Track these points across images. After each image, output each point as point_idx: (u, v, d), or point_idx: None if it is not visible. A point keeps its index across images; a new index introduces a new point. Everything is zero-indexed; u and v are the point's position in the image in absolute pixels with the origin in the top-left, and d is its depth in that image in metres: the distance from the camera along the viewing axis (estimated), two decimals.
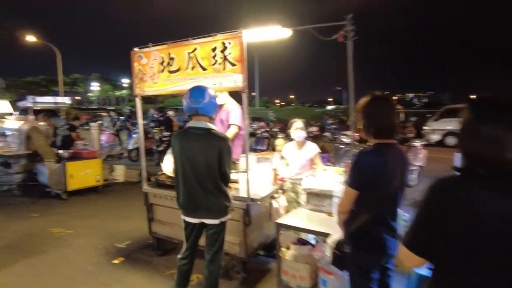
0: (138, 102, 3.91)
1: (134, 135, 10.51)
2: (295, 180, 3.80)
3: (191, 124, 2.54)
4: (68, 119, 12.40)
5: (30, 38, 27.70)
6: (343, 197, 1.90)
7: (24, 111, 17.87)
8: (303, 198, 3.54)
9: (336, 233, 2.09)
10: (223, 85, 3.11)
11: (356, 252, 1.87)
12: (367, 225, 1.82)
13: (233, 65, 3.01)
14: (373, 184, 1.78)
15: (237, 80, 3.01)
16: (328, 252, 2.20)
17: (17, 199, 6.52)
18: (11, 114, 7.19)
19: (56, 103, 31.92)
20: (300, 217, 3.00)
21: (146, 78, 3.65)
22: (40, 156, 6.51)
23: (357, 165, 1.80)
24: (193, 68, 3.27)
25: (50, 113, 8.21)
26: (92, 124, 7.94)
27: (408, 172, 1.98)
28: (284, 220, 2.95)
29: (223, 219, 2.58)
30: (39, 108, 21.40)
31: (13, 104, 26.11)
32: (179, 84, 3.38)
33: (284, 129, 12.05)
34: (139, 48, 3.70)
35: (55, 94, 37.58)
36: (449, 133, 13.66)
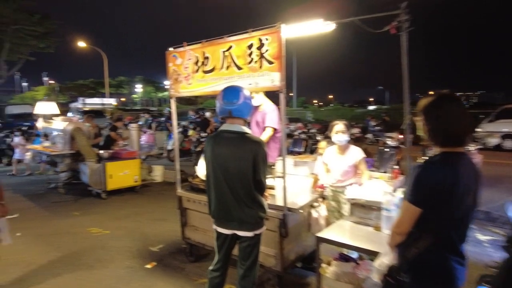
0: (173, 104, 3.81)
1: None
2: (336, 188, 3.49)
3: (224, 127, 2.34)
4: (112, 120, 12.94)
5: (81, 44, 29.62)
6: (402, 215, 1.59)
7: (76, 112, 19.00)
8: (346, 208, 3.23)
9: (385, 253, 1.78)
10: (260, 85, 2.89)
11: (417, 284, 1.56)
12: (431, 251, 1.50)
13: (271, 63, 2.78)
14: (440, 202, 1.46)
15: (274, 79, 2.77)
16: (376, 276, 1.89)
17: (62, 197, 6.78)
18: (58, 115, 7.48)
19: (103, 104, 33.85)
20: (343, 231, 2.70)
21: (181, 79, 3.53)
22: (83, 156, 6.72)
23: (421, 178, 1.49)
24: (228, 67, 3.09)
25: (93, 114, 8.47)
26: (132, 124, 8.11)
27: (481, 187, 1.62)
28: (325, 234, 2.66)
29: (257, 232, 2.36)
30: (87, 109, 22.68)
31: (66, 105, 28.00)
32: (214, 84, 3.22)
33: (323, 130, 11.64)
34: (174, 48, 3.60)
35: (103, 96, 39.79)
36: (508, 136, 12.40)
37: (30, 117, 14.78)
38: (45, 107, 7.58)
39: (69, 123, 6.78)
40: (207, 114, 12.16)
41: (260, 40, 2.81)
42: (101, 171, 6.58)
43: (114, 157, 6.95)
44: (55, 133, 7.12)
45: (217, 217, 2.40)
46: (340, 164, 3.50)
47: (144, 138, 10.78)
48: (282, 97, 2.79)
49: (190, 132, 11.07)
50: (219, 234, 2.44)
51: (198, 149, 10.48)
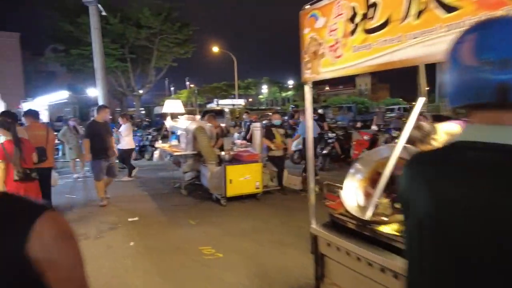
0: (308, 92, 2.53)
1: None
2: None
3: (468, 134, 0.88)
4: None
5: (214, 49, 32.12)
6: None
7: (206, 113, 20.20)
8: None
9: None
10: None
11: None
12: None
13: None
14: None
15: None
16: None
17: (183, 200, 6.43)
18: (183, 114, 7.25)
19: (233, 104, 36.10)
20: None
21: (323, 51, 2.22)
22: (203, 157, 6.20)
23: None
24: (421, 13, 1.60)
25: (214, 113, 8.05)
26: (255, 124, 7.28)
27: None
28: None
29: None
30: (212, 108, 24.08)
31: (204, 106, 30.73)
32: (387, 50, 1.78)
33: None
34: (311, 5, 2.30)
35: (233, 97, 42.66)
36: None
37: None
38: (172, 106, 7.48)
39: (191, 122, 6.38)
40: (320, 111, 10.69)
41: None
42: (221, 175, 5.90)
43: (235, 160, 6.22)
44: (179, 132, 6.87)
45: None
46: None
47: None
48: None
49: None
50: None
51: (325, 151, 9.14)
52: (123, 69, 23.30)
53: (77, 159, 8.80)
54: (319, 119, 9.63)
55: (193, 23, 23.59)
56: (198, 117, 7.40)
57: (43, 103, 11.11)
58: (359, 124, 13.93)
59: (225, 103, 39.00)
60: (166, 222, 5.20)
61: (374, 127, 10.95)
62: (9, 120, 4.20)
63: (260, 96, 74.63)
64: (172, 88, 63.02)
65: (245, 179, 6.04)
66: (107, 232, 4.75)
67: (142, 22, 20.84)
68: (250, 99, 67.16)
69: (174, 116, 7.75)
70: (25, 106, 10.90)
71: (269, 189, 6.58)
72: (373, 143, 8.59)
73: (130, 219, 5.23)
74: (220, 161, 6.06)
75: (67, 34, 20.58)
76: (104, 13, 9.62)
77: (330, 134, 9.42)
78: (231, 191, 5.92)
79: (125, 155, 8.26)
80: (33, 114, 5.18)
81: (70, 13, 19.51)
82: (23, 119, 5.39)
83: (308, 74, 2.40)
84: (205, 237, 4.48)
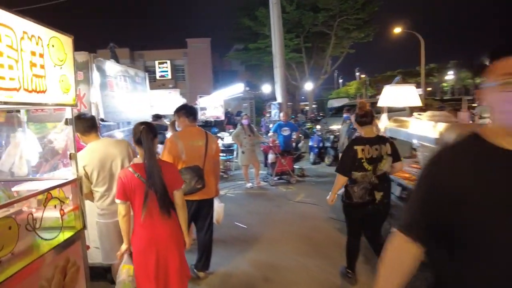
0: None
1: None
2: None
3: None
4: None
5: (397, 30, 26.87)
6: None
7: None
8: None
9: None
10: None
11: None
12: None
13: None
14: None
15: None
16: None
17: None
18: (415, 108, 4.17)
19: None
20: None
21: None
22: None
23: None
24: None
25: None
26: None
27: None
28: None
29: None
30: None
31: (373, 97, 26.55)
32: None
33: None
34: None
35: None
36: None
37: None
38: (396, 94, 4.37)
39: (448, 126, 3.24)
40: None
41: None
42: None
43: None
44: (414, 142, 3.84)
45: None
46: None
47: None
48: None
49: None
50: None
51: None
52: (298, 61, 21.96)
53: (250, 166, 7.15)
54: None
55: None
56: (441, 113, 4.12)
57: (219, 98, 10.24)
58: None
59: None
60: None
61: None
62: (150, 133, 2.25)
63: (444, 84, 61.96)
64: (340, 81, 60.04)
65: None
66: None
67: (320, 5, 18.67)
68: (429, 88, 56.42)
69: (390, 111, 4.81)
70: (201, 101, 10.24)
71: None
72: None
73: None
74: None
75: (246, 30, 20.79)
76: None
77: None
78: None
79: None
80: (187, 112, 3.27)
81: (249, 8, 19.55)
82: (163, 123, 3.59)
83: None
84: None
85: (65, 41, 2.17)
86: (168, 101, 7.59)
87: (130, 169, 2.14)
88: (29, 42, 1.84)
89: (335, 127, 10.76)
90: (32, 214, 1.84)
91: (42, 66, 1.93)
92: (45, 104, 1.98)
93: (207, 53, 34.78)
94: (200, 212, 3.22)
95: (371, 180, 2.94)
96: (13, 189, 2.22)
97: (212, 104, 10.09)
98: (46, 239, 1.94)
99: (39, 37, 1.91)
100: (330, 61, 22.70)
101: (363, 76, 52.01)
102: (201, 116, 9.80)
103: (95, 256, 2.85)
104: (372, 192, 2.96)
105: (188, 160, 3.03)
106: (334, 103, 19.72)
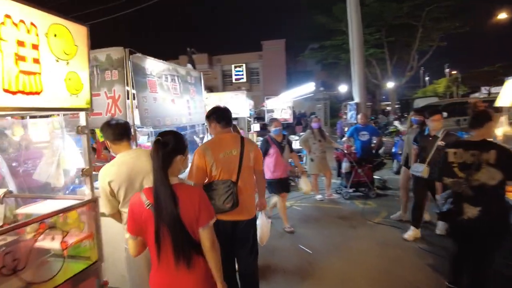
0: None
1: None
2: None
3: None
4: None
5: (501, 16, 22.86)
6: None
7: None
8: None
9: None
10: None
11: None
12: None
13: None
14: None
15: None
16: None
17: None
18: None
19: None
20: None
21: None
22: None
23: None
24: None
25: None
26: None
27: None
28: None
29: None
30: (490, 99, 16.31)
31: (466, 96, 22.61)
32: None
33: None
34: None
35: None
36: None
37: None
38: None
39: None
40: None
41: None
42: None
43: None
44: None
45: None
46: None
47: None
48: None
49: None
50: None
51: None
52: (379, 57, 20.08)
53: (321, 175, 6.35)
54: None
55: None
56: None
57: (287, 99, 9.54)
58: None
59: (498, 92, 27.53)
60: None
61: None
62: (163, 149, 1.72)
63: None
64: (426, 78, 54.28)
65: None
66: None
67: None
68: None
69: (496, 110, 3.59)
70: (269, 103, 9.65)
71: None
72: None
73: None
74: None
75: (321, 28, 19.79)
76: None
77: None
78: None
79: None
80: (218, 116, 2.62)
81: (323, 5, 18.56)
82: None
83: None
84: None
85: (75, 31, 1.75)
86: (235, 104, 7.19)
87: (142, 194, 1.61)
88: (14, 29, 1.43)
89: None
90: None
91: (36, 61, 1.52)
92: (40, 109, 1.56)
93: (281, 54, 34.40)
94: (236, 236, 2.58)
95: (464, 190, 2.51)
96: (18, 211, 1.88)
97: (280, 106, 9.45)
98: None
99: (31, 24, 1.51)
100: (416, 56, 20.26)
101: (454, 72, 46.01)
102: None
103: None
104: (461, 204, 2.51)
105: (219, 175, 2.45)
106: (421, 102, 17.49)
